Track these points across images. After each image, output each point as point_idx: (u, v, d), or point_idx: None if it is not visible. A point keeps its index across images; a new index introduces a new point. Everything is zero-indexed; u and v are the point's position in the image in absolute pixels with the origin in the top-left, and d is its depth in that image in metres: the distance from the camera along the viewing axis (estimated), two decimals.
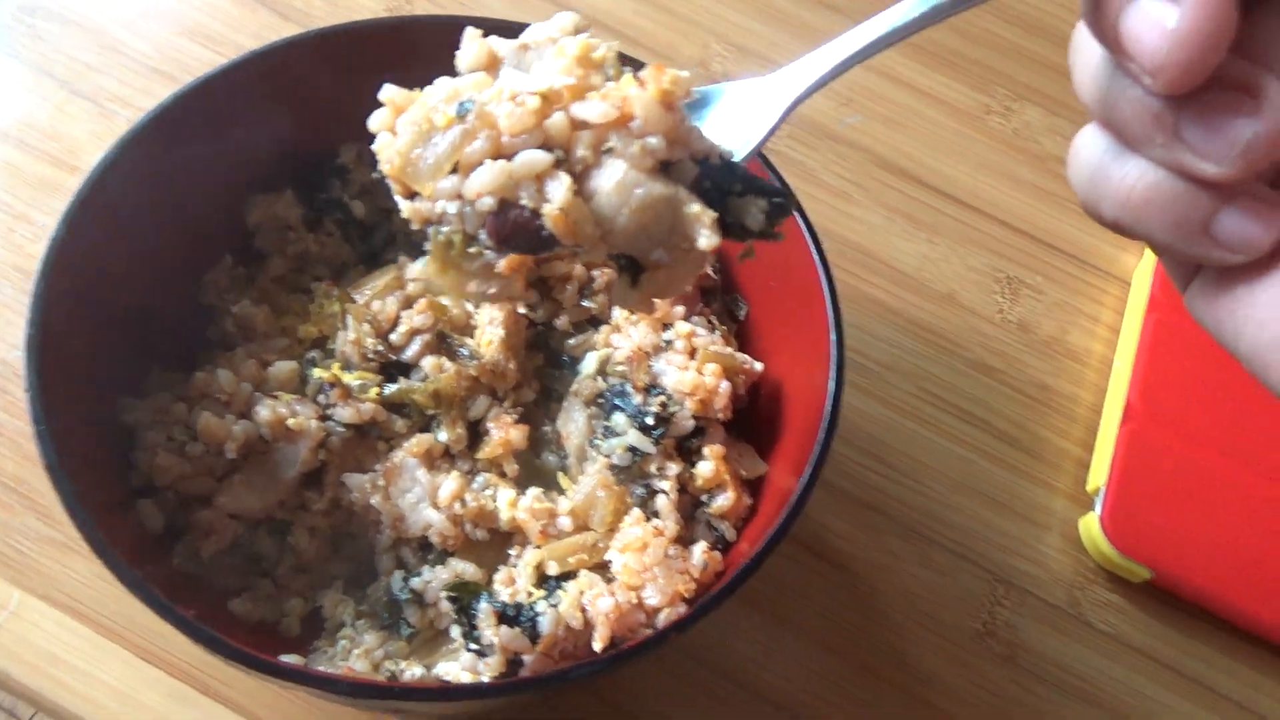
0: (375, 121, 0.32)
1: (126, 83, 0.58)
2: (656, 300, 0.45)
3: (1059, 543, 0.56)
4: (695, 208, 0.30)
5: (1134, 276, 0.64)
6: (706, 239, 0.30)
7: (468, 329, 0.45)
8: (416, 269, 0.45)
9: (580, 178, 0.30)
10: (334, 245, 0.49)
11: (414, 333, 0.44)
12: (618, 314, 0.47)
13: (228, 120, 0.44)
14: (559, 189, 0.29)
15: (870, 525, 0.54)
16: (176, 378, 0.43)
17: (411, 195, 0.32)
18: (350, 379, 0.42)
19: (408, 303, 0.45)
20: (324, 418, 0.42)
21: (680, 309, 0.47)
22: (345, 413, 0.42)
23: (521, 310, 0.45)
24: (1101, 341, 0.63)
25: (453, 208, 0.30)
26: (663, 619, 0.39)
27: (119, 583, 0.32)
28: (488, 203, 0.30)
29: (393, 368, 0.44)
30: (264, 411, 0.41)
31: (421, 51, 0.48)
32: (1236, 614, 0.53)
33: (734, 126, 0.33)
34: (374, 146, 0.32)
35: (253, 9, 0.62)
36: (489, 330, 0.44)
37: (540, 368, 0.47)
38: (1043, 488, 0.57)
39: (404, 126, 0.31)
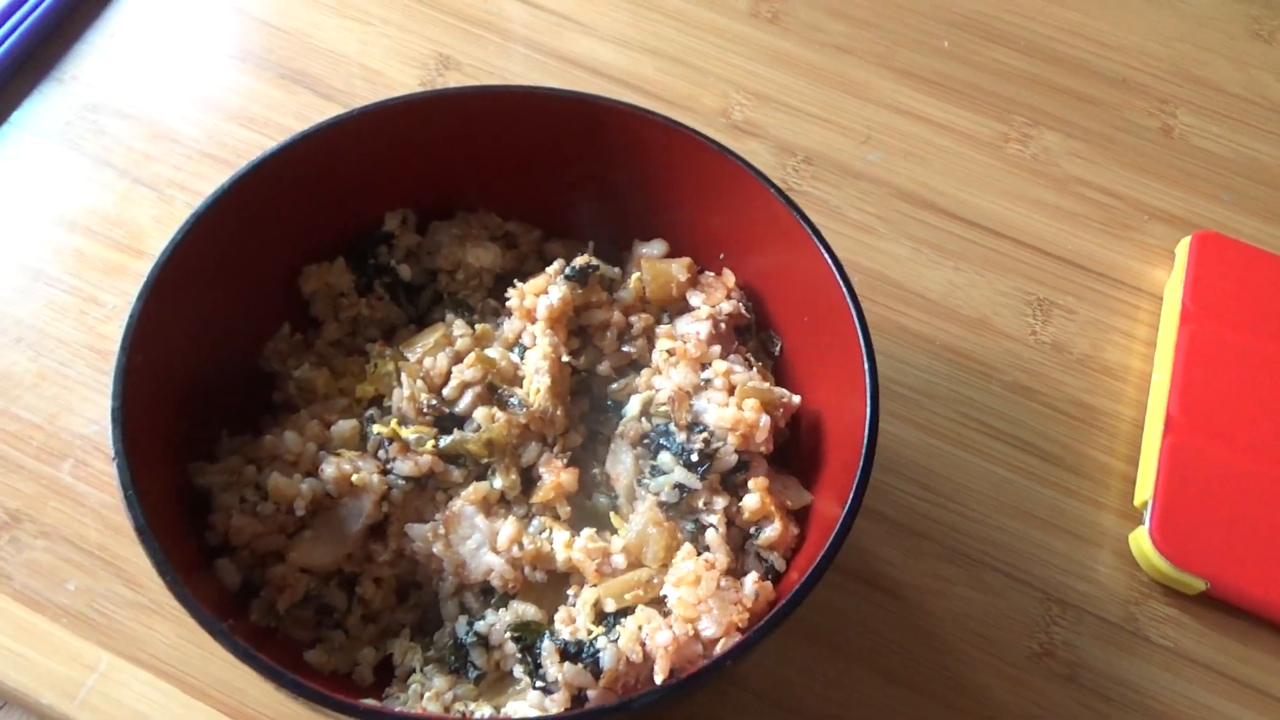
0: None
1: (181, 168, 0.62)
2: (693, 340, 0.47)
3: (1111, 559, 0.56)
4: None
5: (1165, 290, 0.65)
6: None
7: (516, 379, 0.47)
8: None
9: None
10: (384, 308, 0.51)
11: (465, 386, 0.46)
12: (657, 357, 0.49)
13: (279, 198, 0.47)
14: None
15: (919, 551, 0.55)
16: (245, 441, 0.46)
17: None
18: (408, 434, 0.45)
19: (458, 358, 0.47)
20: (385, 472, 0.44)
21: (717, 348, 0.48)
22: (405, 466, 0.44)
23: (565, 358, 0.47)
24: (1139, 357, 0.63)
25: None
26: (719, 649, 0.40)
27: (207, 636, 0.34)
28: None
29: (447, 420, 0.46)
30: (329, 469, 0.43)
31: (453, 121, 0.51)
32: None
33: None
34: None
35: (294, 91, 0.66)
36: (536, 379, 0.46)
37: (586, 413, 0.49)
38: (1090, 505, 0.58)
39: None
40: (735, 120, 0.70)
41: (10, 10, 0.64)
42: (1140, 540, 0.54)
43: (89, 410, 0.53)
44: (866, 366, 0.43)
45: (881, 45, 0.75)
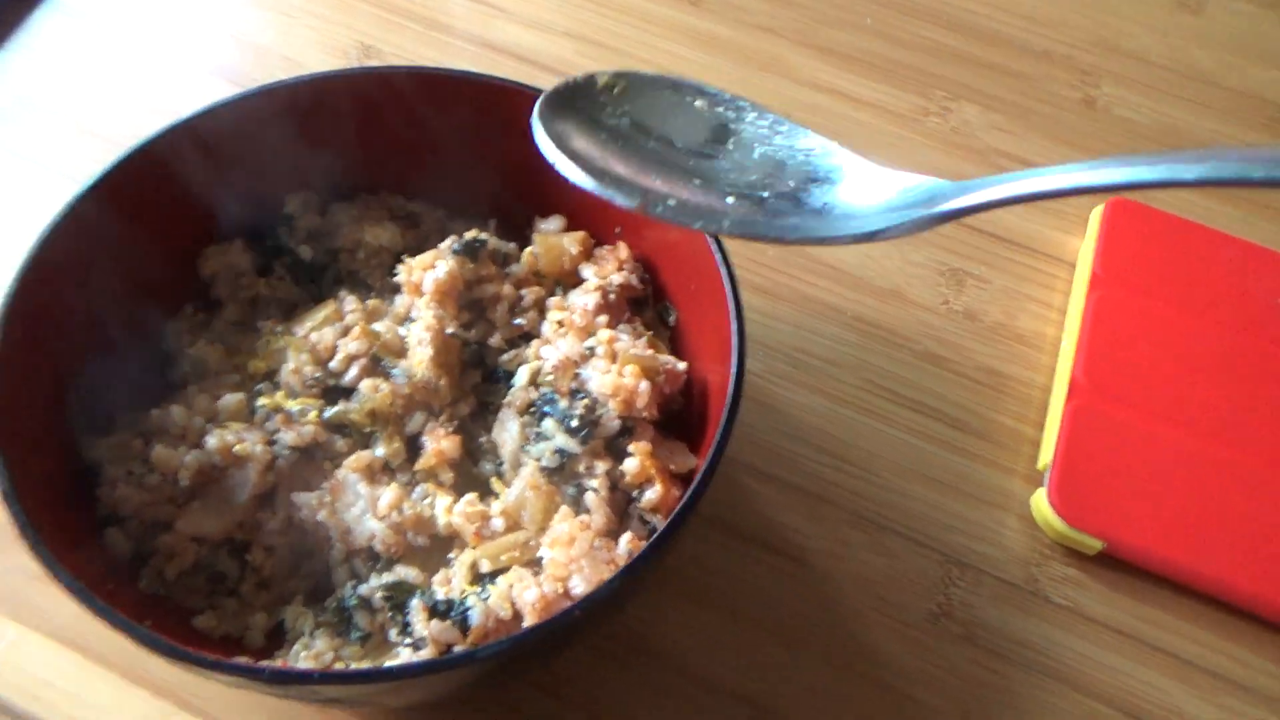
0: None
1: (102, 161, 0.63)
2: (580, 311, 0.48)
3: (1016, 523, 0.57)
4: None
5: (1078, 257, 0.66)
6: None
7: (403, 352, 0.48)
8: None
9: None
10: (284, 288, 0.52)
11: (350, 359, 0.47)
12: (547, 329, 0.50)
13: (171, 181, 0.48)
14: None
15: (822, 516, 0.56)
16: (140, 418, 0.47)
17: None
18: (292, 405, 0.46)
19: (345, 332, 0.48)
20: (270, 443, 0.45)
21: (604, 319, 0.49)
22: (288, 436, 0.45)
23: (451, 331, 0.48)
24: (1053, 325, 0.64)
25: None
26: None
27: (71, 596, 0.36)
28: None
29: (335, 393, 0.47)
30: (212, 440, 0.44)
31: (352, 103, 0.52)
32: (1188, 575, 0.53)
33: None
34: None
35: (218, 85, 0.67)
36: (419, 351, 0.47)
37: (479, 384, 0.50)
38: (997, 470, 0.58)
39: None
40: None
41: None
42: (1039, 502, 0.55)
43: None
44: (735, 327, 0.44)
45: (804, 24, 0.76)
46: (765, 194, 0.34)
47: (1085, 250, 0.65)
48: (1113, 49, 0.77)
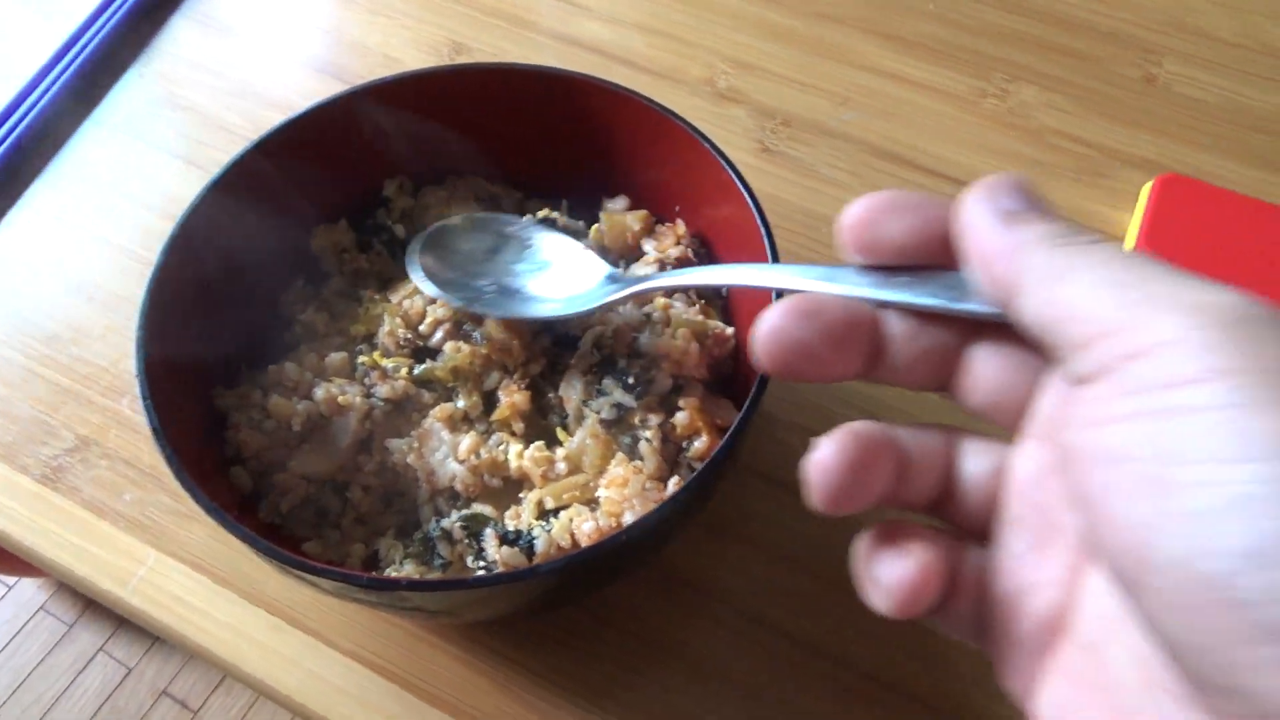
0: None
1: (228, 152, 0.70)
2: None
3: None
4: None
5: (1127, 233, 0.68)
6: None
7: (481, 317, 0.54)
8: None
9: None
10: (381, 262, 0.59)
11: (436, 323, 0.54)
12: None
13: (289, 167, 0.55)
14: None
15: None
16: (260, 373, 0.54)
17: None
18: (387, 363, 0.53)
19: (432, 300, 0.55)
20: (368, 395, 0.52)
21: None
22: (383, 390, 0.52)
23: None
24: None
25: None
26: None
27: (231, 537, 0.43)
28: None
29: (423, 353, 0.54)
30: (320, 392, 0.51)
31: (441, 96, 0.59)
32: None
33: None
34: None
35: (326, 81, 0.75)
36: None
37: (548, 347, 0.56)
38: None
39: None
40: (720, 88, 0.76)
41: (89, 23, 0.75)
42: None
43: None
44: (774, 296, 0.48)
45: (868, 12, 0.80)
46: (536, 279, 0.54)
47: (1133, 226, 0.67)
48: (1181, 26, 0.78)
